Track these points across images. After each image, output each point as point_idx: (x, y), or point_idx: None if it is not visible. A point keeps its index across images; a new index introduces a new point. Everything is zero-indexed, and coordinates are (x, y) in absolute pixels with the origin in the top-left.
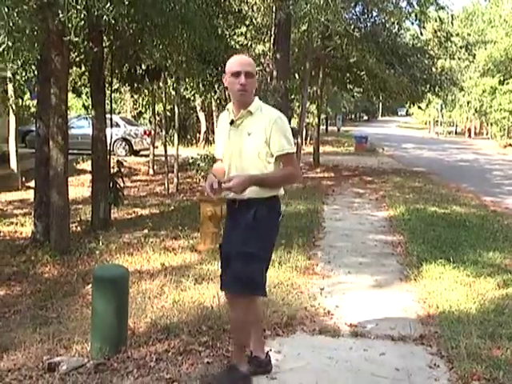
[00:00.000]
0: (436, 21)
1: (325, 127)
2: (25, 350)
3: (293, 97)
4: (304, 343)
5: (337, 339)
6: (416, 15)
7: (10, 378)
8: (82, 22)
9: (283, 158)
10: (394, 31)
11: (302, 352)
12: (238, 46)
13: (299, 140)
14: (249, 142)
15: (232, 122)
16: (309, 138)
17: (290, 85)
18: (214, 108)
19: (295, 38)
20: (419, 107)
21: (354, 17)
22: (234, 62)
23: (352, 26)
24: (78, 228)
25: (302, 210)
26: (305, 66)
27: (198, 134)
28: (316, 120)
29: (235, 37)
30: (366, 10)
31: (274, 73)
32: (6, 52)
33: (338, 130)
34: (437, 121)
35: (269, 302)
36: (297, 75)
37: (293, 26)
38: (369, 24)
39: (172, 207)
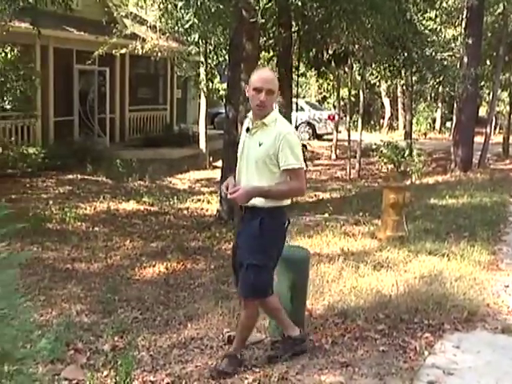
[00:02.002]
0: None
1: None
2: (207, 321)
3: (482, 84)
4: (484, 341)
5: None
6: None
7: (193, 345)
8: (273, 7)
9: (289, 173)
10: None
11: (481, 350)
12: (426, 31)
13: (488, 129)
14: (259, 152)
15: (248, 130)
16: (498, 128)
17: (480, 71)
18: (399, 94)
19: (488, 22)
20: None
21: None
22: (258, 78)
23: None
24: None
25: (487, 202)
26: (498, 51)
27: (381, 120)
28: (507, 108)
29: (424, 21)
30: None
31: (465, 59)
32: (192, 30)
33: None
34: None
35: (449, 296)
36: (488, 61)
37: (486, 9)
38: None
39: (353, 192)
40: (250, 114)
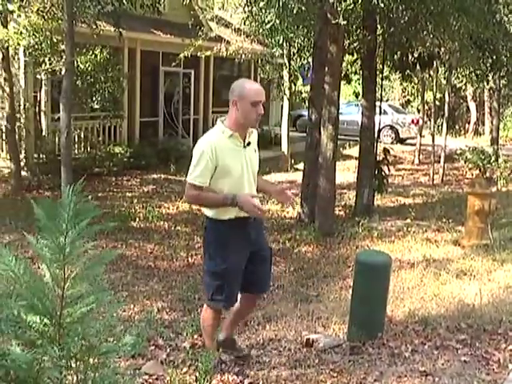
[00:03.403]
0: None
1: None
2: (285, 323)
3: None
4: None
5: None
6: None
7: (271, 347)
8: (358, 9)
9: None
10: None
11: None
12: None
13: None
14: (256, 158)
15: (248, 144)
16: None
17: None
18: (486, 98)
19: None
20: None
21: None
22: (256, 91)
23: None
24: (341, 212)
25: None
26: None
27: (466, 125)
28: None
29: None
30: None
31: None
32: (274, 32)
33: None
34: None
35: None
36: None
37: None
38: None
39: (436, 198)
40: (226, 130)
